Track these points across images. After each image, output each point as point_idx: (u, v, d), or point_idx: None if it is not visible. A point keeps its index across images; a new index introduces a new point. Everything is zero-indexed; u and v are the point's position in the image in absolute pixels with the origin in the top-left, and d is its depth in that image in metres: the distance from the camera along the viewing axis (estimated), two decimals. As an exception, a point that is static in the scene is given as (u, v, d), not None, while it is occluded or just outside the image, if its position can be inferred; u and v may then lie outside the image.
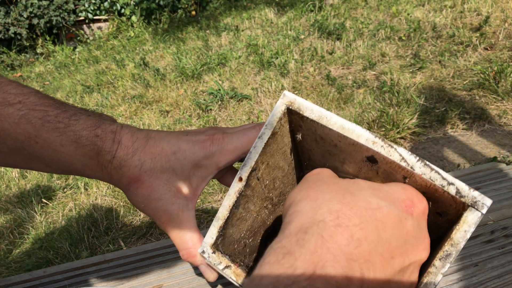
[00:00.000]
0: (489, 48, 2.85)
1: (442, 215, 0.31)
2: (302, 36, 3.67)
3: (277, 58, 3.25)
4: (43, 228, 1.85)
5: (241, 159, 0.39)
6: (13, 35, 5.43)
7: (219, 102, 2.73)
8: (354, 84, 2.75)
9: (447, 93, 2.46)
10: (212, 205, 1.82)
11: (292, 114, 0.34)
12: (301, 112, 0.33)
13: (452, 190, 0.28)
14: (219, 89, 2.83)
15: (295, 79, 2.93)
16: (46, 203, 2.02)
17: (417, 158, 0.29)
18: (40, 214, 1.95)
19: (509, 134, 2.06)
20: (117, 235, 1.73)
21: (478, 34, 2.97)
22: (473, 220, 0.27)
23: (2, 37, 5.40)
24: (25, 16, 5.43)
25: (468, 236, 0.27)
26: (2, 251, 1.77)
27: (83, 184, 2.08)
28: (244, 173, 0.34)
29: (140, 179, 0.36)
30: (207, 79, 3.15)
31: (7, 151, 0.35)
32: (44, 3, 5.49)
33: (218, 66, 3.34)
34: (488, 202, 0.27)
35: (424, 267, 0.31)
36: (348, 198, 0.25)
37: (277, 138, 0.35)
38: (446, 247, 0.27)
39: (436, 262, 0.27)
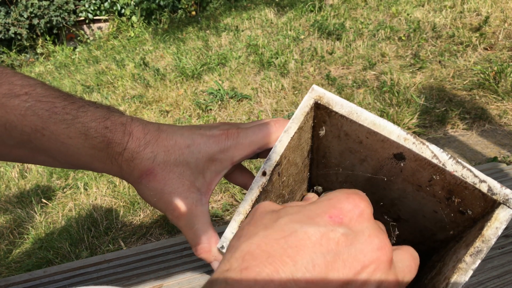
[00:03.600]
0: (489, 48, 2.85)
1: (465, 214, 0.31)
2: (302, 36, 3.67)
3: (277, 58, 3.25)
4: (43, 228, 1.85)
5: (254, 156, 0.39)
6: (13, 35, 5.43)
7: (219, 102, 2.73)
8: (354, 84, 2.75)
9: (447, 93, 2.46)
10: (212, 205, 1.82)
11: (318, 109, 0.33)
12: (330, 107, 0.32)
13: (484, 188, 0.28)
14: (219, 89, 2.83)
15: (295, 79, 2.93)
16: (46, 203, 2.02)
17: (449, 155, 0.28)
18: (40, 214, 1.95)
19: (509, 134, 2.06)
20: (117, 235, 1.73)
21: (478, 34, 2.97)
22: (504, 217, 0.27)
23: (2, 37, 5.41)
24: (25, 16, 5.43)
25: (500, 233, 0.27)
26: (2, 251, 1.77)
27: (83, 184, 2.08)
28: (269, 167, 0.33)
29: (153, 172, 0.35)
30: (207, 79, 3.15)
31: (13, 144, 0.34)
32: (44, 3, 5.49)
33: (218, 66, 3.34)
34: None
35: (445, 258, 0.31)
36: (261, 235, 0.23)
37: (301, 133, 0.35)
38: (477, 243, 0.27)
39: (467, 258, 0.27)
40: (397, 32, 3.36)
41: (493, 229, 0.27)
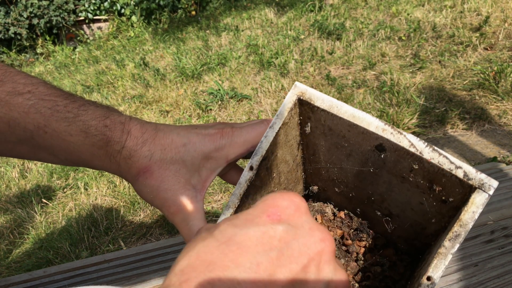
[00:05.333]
0: (489, 48, 2.85)
1: (447, 202, 0.31)
2: (302, 36, 3.67)
3: (277, 58, 3.25)
4: (43, 228, 1.85)
5: (249, 154, 0.40)
6: (13, 35, 5.43)
7: (219, 102, 2.73)
8: (354, 84, 2.75)
9: (447, 93, 2.46)
10: (212, 205, 1.82)
11: (302, 106, 0.34)
12: (312, 102, 0.33)
13: (460, 173, 0.28)
14: (219, 89, 2.83)
15: (295, 79, 2.93)
16: (46, 203, 2.02)
17: (426, 143, 0.29)
18: (40, 214, 1.95)
19: (509, 134, 2.06)
20: (117, 235, 1.73)
21: (478, 34, 2.97)
22: (480, 201, 0.28)
23: (2, 37, 5.41)
24: (25, 16, 5.43)
25: (476, 216, 0.28)
26: (2, 251, 1.77)
27: (83, 184, 2.08)
28: (255, 161, 0.34)
29: (150, 170, 0.36)
30: (207, 79, 3.15)
31: (16, 141, 0.35)
32: (44, 3, 5.49)
33: (218, 66, 3.34)
34: (494, 183, 0.27)
35: (432, 249, 0.31)
36: (199, 246, 0.22)
37: (287, 130, 0.36)
38: (455, 228, 0.28)
39: (446, 243, 0.28)
40: (397, 32, 3.35)
41: (470, 213, 0.28)
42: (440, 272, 0.27)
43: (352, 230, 0.44)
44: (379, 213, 0.41)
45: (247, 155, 0.40)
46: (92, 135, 0.35)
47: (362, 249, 0.43)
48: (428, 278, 0.27)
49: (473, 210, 0.28)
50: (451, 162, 0.29)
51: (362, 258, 0.42)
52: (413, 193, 0.34)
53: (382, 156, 0.32)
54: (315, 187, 0.45)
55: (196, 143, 0.37)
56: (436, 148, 0.29)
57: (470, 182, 0.28)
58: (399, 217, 0.39)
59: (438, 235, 0.36)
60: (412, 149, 0.29)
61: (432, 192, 0.32)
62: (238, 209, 0.35)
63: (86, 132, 0.35)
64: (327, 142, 0.36)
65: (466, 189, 0.29)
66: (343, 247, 0.43)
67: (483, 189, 0.28)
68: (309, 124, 0.36)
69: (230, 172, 0.42)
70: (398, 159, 0.31)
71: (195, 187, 0.38)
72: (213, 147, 0.37)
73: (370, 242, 0.43)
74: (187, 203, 0.37)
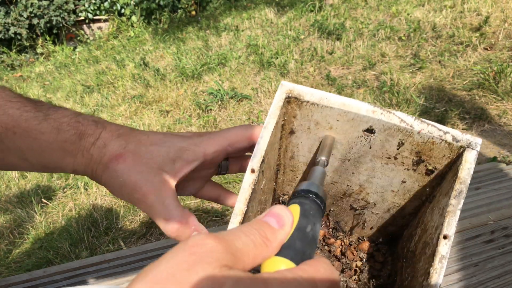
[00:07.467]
0: (489, 48, 2.85)
1: (433, 172, 0.34)
2: (302, 36, 3.67)
3: (277, 58, 3.25)
4: (43, 228, 1.85)
5: (227, 158, 0.40)
6: (13, 35, 5.43)
7: (219, 102, 2.73)
8: (354, 84, 2.75)
9: (447, 93, 2.46)
10: (212, 205, 1.82)
11: (289, 104, 0.35)
12: (301, 98, 0.34)
13: (449, 138, 0.31)
14: (219, 89, 2.83)
15: (295, 79, 2.93)
16: (46, 203, 2.02)
17: (414, 117, 0.32)
18: (40, 214, 1.95)
19: (509, 134, 2.06)
20: (117, 235, 1.73)
21: (478, 34, 2.97)
22: (472, 158, 0.31)
23: (2, 37, 5.41)
24: (25, 16, 5.43)
25: (471, 172, 0.31)
26: (2, 251, 1.77)
27: (83, 184, 2.08)
28: (256, 163, 0.34)
29: (123, 156, 0.36)
30: (207, 79, 3.15)
31: None
32: (44, 3, 5.49)
33: (218, 66, 3.34)
34: (479, 140, 0.31)
35: (413, 224, 0.34)
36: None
37: (276, 131, 0.36)
38: (457, 186, 0.31)
39: (452, 201, 0.30)
40: (397, 32, 3.35)
41: (466, 170, 0.31)
42: (453, 228, 0.30)
43: (330, 230, 0.45)
44: (354, 208, 0.43)
45: (220, 170, 0.41)
46: (65, 130, 0.35)
47: (338, 248, 0.44)
48: (445, 237, 0.30)
49: (467, 167, 0.31)
50: (440, 130, 0.31)
51: (343, 257, 0.43)
52: (397, 172, 0.36)
53: (370, 140, 0.34)
54: (286, 197, 0.46)
55: (174, 139, 0.38)
56: (424, 119, 0.32)
57: (459, 143, 0.31)
58: (376, 205, 0.41)
59: (417, 213, 0.38)
60: (402, 125, 0.32)
61: (417, 166, 0.34)
62: (246, 215, 0.34)
63: (58, 129, 0.34)
64: (309, 140, 0.37)
65: (454, 152, 0.32)
66: (326, 247, 0.44)
67: (471, 147, 0.31)
68: (294, 123, 0.36)
69: (206, 187, 0.42)
70: (386, 138, 0.33)
71: (168, 173, 0.37)
72: (191, 141, 0.38)
73: (344, 240, 0.45)
74: (161, 184, 0.36)
